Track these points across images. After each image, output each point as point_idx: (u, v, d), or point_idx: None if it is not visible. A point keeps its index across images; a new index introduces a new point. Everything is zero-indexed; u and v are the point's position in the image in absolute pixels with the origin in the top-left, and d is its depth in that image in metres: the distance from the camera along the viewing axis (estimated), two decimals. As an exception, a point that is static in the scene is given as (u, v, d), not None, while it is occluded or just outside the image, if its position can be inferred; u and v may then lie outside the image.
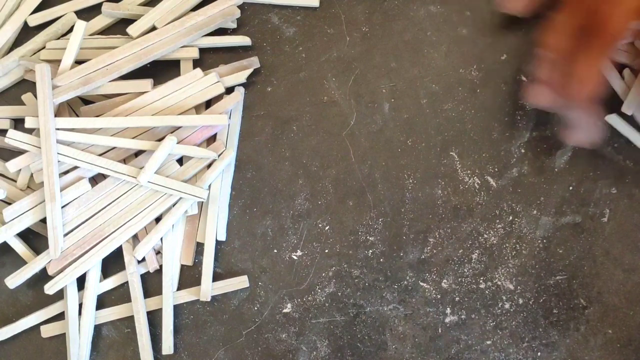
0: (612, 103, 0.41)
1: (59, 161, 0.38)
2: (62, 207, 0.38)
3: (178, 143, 0.39)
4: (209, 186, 0.39)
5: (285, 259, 0.39)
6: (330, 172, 0.40)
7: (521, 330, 0.39)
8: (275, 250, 0.40)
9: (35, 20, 0.42)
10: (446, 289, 0.39)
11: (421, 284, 0.39)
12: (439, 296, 0.39)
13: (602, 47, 0.33)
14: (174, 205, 0.39)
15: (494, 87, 0.41)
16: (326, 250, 0.40)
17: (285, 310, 0.39)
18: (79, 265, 0.38)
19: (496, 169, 0.40)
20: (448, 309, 0.39)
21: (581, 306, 0.39)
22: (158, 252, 0.39)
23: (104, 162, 0.38)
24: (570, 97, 0.35)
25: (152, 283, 0.40)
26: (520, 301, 0.39)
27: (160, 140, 0.39)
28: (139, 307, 0.39)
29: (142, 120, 0.39)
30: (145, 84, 0.40)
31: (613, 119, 0.40)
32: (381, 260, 0.40)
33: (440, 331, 0.39)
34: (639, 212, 0.40)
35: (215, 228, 0.39)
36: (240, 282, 0.39)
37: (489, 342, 0.39)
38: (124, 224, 0.39)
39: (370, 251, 0.40)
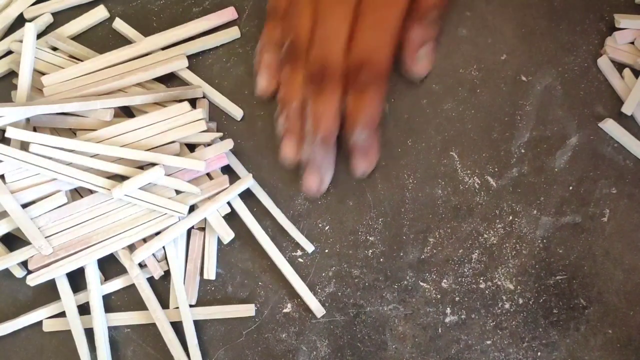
0: (612, 103, 0.41)
1: (38, 174, 0.38)
2: (47, 212, 0.38)
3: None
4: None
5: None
6: (330, 172, 0.40)
7: (521, 330, 0.39)
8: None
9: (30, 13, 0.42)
10: (446, 289, 0.39)
11: (421, 284, 0.39)
12: (439, 296, 0.39)
13: (332, 87, 0.36)
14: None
15: (494, 87, 0.41)
16: (326, 250, 0.40)
17: (285, 310, 0.39)
18: (65, 264, 0.38)
19: (496, 169, 0.40)
20: (448, 309, 0.39)
21: (581, 306, 0.39)
22: (161, 260, 0.39)
23: (80, 174, 0.37)
24: (312, 138, 0.37)
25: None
26: (520, 301, 0.39)
27: (141, 167, 0.38)
28: (153, 306, 0.38)
29: (117, 150, 0.38)
30: (104, 113, 0.39)
31: (608, 125, 0.40)
32: (381, 260, 0.40)
33: (440, 331, 0.39)
34: (639, 212, 0.40)
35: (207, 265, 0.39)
36: (246, 310, 0.39)
37: (489, 342, 0.39)
38: (117, 235, 0.38)
39: (370, 251, 0.40)
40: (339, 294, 0.39)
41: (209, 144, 0.40)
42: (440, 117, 0.41)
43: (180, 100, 0.40)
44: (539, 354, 0.38)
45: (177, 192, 0.39)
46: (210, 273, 0.39)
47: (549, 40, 0.42)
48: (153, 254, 0.39)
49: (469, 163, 0.40)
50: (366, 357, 0.39)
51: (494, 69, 0.41)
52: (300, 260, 0.40)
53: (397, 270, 0.39)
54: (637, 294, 0.39)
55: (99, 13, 0.42)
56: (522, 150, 0.40)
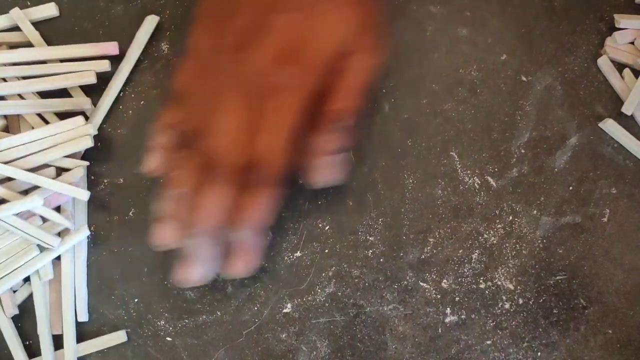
0: (612, 103, 0.41)
1: None
2: None
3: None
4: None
5: (285, 259, 0.39)
6: (330, 172, 0.40)
7: (521, 330, 0.39)
8: (275, 251, 0.40)
9: None
10: (446, 289, 0.39)
11: (421, 284, 0.39)
12: (439, 296, 0.39)
13: (222, 180, 0.35)
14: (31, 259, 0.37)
15: (494, 87, 0.41)
16: (326, 250, 0.40)
17: (285, 310, 0.39)
18: None
19: (496, 169, 0.40)
20: (448, 309, 0.39)
21: (581, 306, 0.39)
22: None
23: None
24: (195, 228, 0.35)
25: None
26: (520, 301, 0.39)
27: (22, 192, 0.37)
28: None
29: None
30: None
31: (608, 125, 0.40)
32: (381, 260, 0.40)
33: (440, 331, 0.39)
34: (639, 212, 0.40)
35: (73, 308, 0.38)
36: (117, 338, 0.38)
37: (489, 342, 0.39)
38: None
39: (370, 251, 0.40)
40: (339, 294, 0.39)
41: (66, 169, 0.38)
42: (440, 117, 0.41)
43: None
44: (539, 354, 0.38)
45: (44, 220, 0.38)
46: (80, 314, 0.38)
47: (549, 40, 0.42)
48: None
49: (469, 163, 0.40)
50: (366, 357, 0.39)
51: (494, 69, 0.41)
52: (300, 260, 0.40)
53: (397, 270, 0.39)
54: (637, 294, 0.39)
55: (48, 10, 0.40)
56: (522, 150, 0.40)
